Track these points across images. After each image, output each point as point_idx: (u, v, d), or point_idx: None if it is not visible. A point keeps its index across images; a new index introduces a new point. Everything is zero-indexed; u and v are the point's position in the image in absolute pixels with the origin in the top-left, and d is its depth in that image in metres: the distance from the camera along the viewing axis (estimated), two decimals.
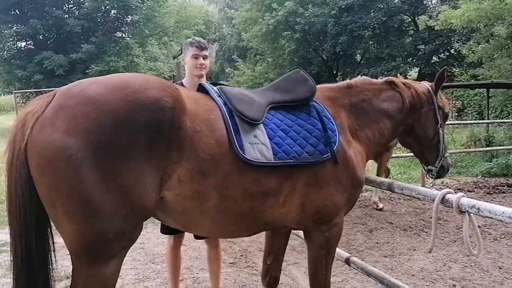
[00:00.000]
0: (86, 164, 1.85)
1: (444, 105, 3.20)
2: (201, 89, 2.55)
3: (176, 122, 2.06)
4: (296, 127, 2.47)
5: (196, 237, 3.59)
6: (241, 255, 5.17)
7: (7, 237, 2.23)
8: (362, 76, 3.07)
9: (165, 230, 3.54)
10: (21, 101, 21.90)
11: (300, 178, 2.42)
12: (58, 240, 2.07)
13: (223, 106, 2.34)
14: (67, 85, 2.10)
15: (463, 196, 2.29)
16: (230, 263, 4.88)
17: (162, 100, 2.04)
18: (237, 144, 2.22)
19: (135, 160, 1.94)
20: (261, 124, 2.37)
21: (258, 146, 2.28)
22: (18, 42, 26.43)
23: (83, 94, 1.96)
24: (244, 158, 2.22)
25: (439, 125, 3.09)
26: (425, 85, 3.17)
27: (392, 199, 7.92)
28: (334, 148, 2.47)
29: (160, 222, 2.91)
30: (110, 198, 1.91)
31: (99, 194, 1.89)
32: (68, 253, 2.05)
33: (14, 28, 24.62)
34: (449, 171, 3.31)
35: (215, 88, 2.51)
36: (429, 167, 3.20)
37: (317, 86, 2.76)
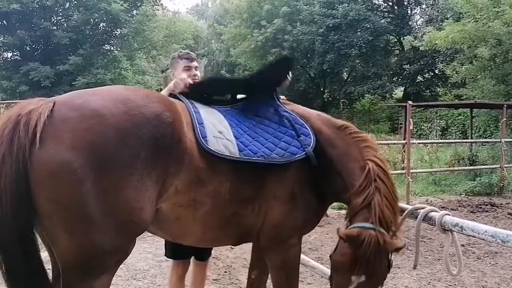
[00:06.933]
0: (91, 178, 1.80)
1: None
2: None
3: (176, 135, 2.06)
4: (265, 134, 2.42)
5: (197, 257, 3.33)
6: (225, 272, 5.11)
7: None
8: (368, 134, 2.77)
9: (171, 253, 3.25)
10: (5, 111, 21.61)
11: (272, 187, 2.36)
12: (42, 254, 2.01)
13: (190, 106, 2.34)
14: (63, 96, 2.03)
15: (447, 214, 2.30)
16: (214, 280, 4.81)
17: (163, 114, 2.04)
18: (200, 135, 2.19)
19: (137, 175, 1.91)
20: (228, 124, 2.36)
21: (222, 141, 2.24)
22: (4, 53, 26.25)
23: (86, 106, 1.91)
24: (207, 149, 2.17)
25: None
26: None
27: None
28: (311, 149, 2.38)
29: (142, 237, 2.87)
30: (112, 212, 1.88)
31: (100, 208, 1.84)
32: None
33: (1, 39, 24.47)
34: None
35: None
36: None
37: (314, 111, 2.72)
